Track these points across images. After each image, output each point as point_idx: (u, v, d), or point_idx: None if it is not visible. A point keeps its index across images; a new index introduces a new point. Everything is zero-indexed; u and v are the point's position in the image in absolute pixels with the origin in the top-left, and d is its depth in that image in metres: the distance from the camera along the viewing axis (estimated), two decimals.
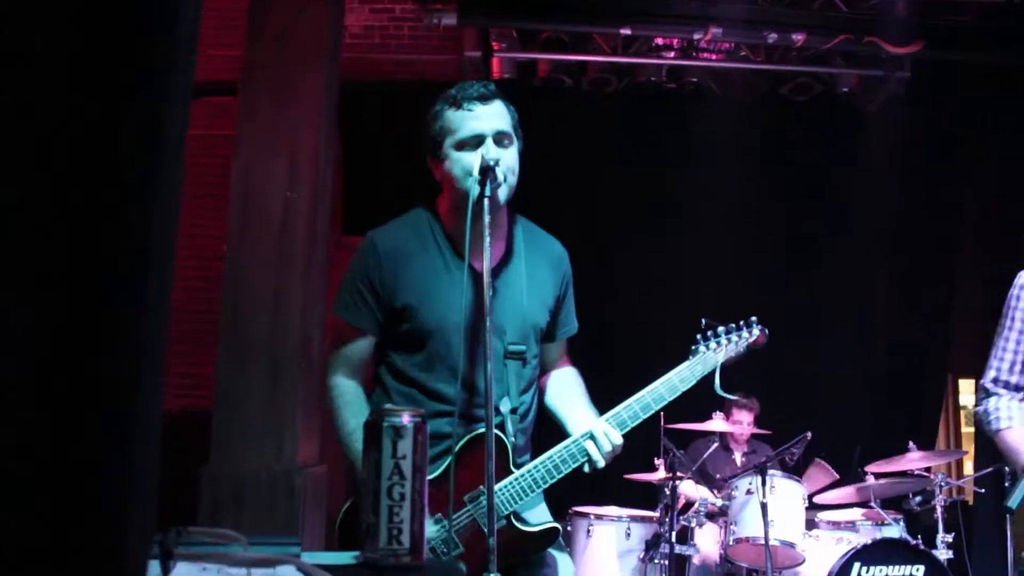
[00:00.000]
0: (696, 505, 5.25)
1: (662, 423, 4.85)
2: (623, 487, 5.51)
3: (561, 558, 2.30)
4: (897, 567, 4.51)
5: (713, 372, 2.25)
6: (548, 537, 2.19)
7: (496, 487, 2.06)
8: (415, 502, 1.36)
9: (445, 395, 2.16)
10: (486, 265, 2.03)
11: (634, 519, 5.29)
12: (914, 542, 4.62)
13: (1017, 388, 2.42)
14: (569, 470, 2.18)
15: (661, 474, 4.91)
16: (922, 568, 4.52)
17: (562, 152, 6.00)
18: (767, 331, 2.31)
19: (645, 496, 5.50)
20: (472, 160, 2.10)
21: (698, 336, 2.26)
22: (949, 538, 4.87)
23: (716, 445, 5.47)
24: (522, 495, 2.13)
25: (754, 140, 6.51)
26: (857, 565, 4.49)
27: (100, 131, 0.71)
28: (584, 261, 2.61)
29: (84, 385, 0.71)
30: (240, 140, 5.09)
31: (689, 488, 5.35)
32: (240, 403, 4.73)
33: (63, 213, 0.70)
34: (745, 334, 2.29)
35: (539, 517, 2.25)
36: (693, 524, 5.17)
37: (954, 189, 6.85)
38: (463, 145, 2.12)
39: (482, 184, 2.07)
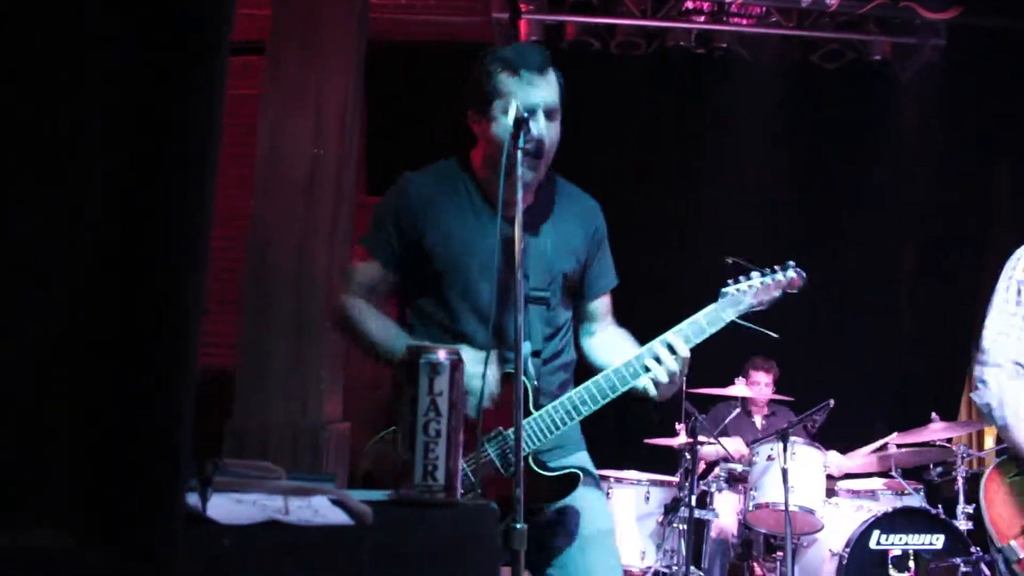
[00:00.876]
0: (716, 470, 5.27)
1: (684, 388, 4.85)
2: (644, 452, 5.53)
3: (593, 499, 2.25)
4: (917, 535, 4.51)
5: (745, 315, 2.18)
6: (566, 483, 2.11)
7: (508, 428, 2.08)
8: (451, 440, 1.37)
9: (471, 337, 2.15)
10: (518, 216, 1.99)
11: (654, 483, 5.31)
12: (934, 511, 4.61)
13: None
14: (617, 394, 2.11)
15: (682, 439, 4.92)
16: (942, 537, 4.51)
17: (589, 116, 5.96)
18: (804, 275, 2.21)
19: (666, 461, 5.52)
20: (518, 131, 2.04)
21: (728, 280, 2.19)
22: (970, 509, 4.86)
23: (738, 410, 5.47)
24: (543, 435, 2.10)
25: (784, 107, 6.45)
26: (877, 533, 4.49)
27: None
28: (609, 223, 2.58)
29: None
30: (266, 99, 5.09)
31: (709, 452, 5.36)
32: (264, 361, 4.78)
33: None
34: (780, 276, 2.20)
35: (576, 462, 2.22)
36: (713, 489, 5.19)
37: (989, 161, 6.75)
38: (513, 112, 2.08)
39: (516, 137, 2.03)
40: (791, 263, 2.23)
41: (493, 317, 1.96)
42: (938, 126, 6.49)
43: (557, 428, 2.10)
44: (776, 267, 2.22)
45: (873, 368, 6.54)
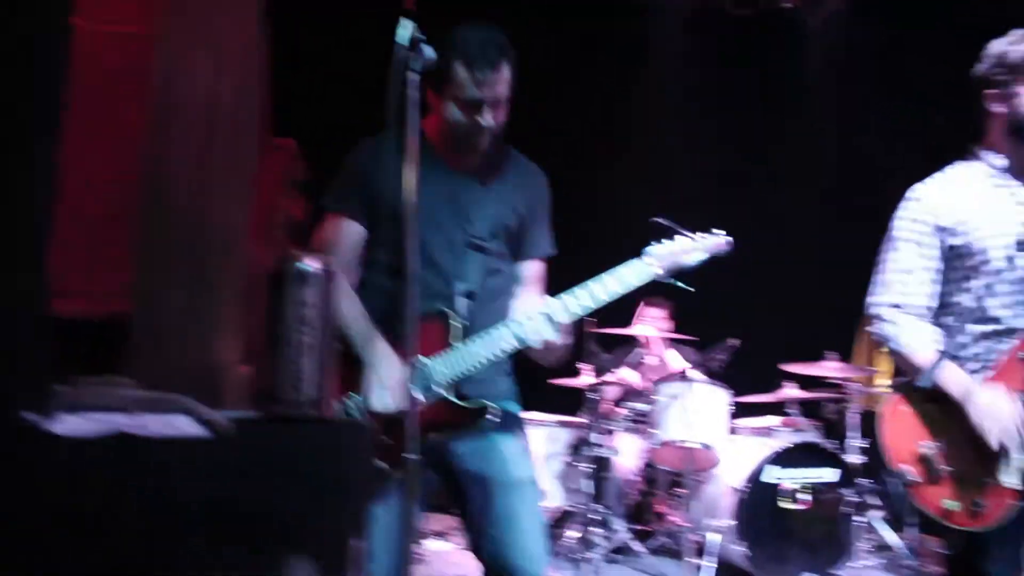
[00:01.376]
0: (620, 410, 5.35)
1: (586, 328, 4.89)
2: (549, 393, 5.57)
3: (516, 449, 2.36)
4: (810, 469, 4.66)
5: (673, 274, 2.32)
6: (475, 414, 2.25)
7: (432, 360, 2.23)
8: (321, 353, 1.33)
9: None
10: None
11: (559, 424, 5.38)
12: (827, 446, 4.77)
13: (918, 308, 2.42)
14: (511, 348, 2.24)
15: (586, 379, 4.96)
16: (832, 470, 4.68)
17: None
18: (732, 240, 2.34)
19: (570, 402, 5.58)
20: (468, 119, 2.25)
21: (652, 241, 2.30)
22: (862, 443, 5.05)
23: (640, 350, 5.55)
24: (459, 368, 2.23)
25: (698, 57, 6.49)
26: (772, 467, 4.62)
27: None
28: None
29: None
30: (162, 36, 4.87)
31: (613, 392, 5.43)
32: (161, 307, 4.63)
33: None
34: (707, 240, 2.35)
35: (494, 396, 2.31)
36: (617, 429, 5.27)
37: (895, 111, 6.90)
38: (464, 104, 2.25)
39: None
40: (721, 232, 2.37)
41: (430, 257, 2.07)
42: (845, 73, 6.61)
43: (479, 363, 2.24)
44: (702, 232, 2.35)
45: (775, 307, 6.70)
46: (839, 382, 5.27)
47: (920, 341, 2.37)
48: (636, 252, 2.32)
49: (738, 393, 5.29)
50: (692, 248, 2.34)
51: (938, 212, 2.39)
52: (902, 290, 2.41)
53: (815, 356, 5.24)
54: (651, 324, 5.47)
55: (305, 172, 5.93)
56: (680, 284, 2.35)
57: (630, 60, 6.55)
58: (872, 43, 6.57)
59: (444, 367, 2.23)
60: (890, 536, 5.26)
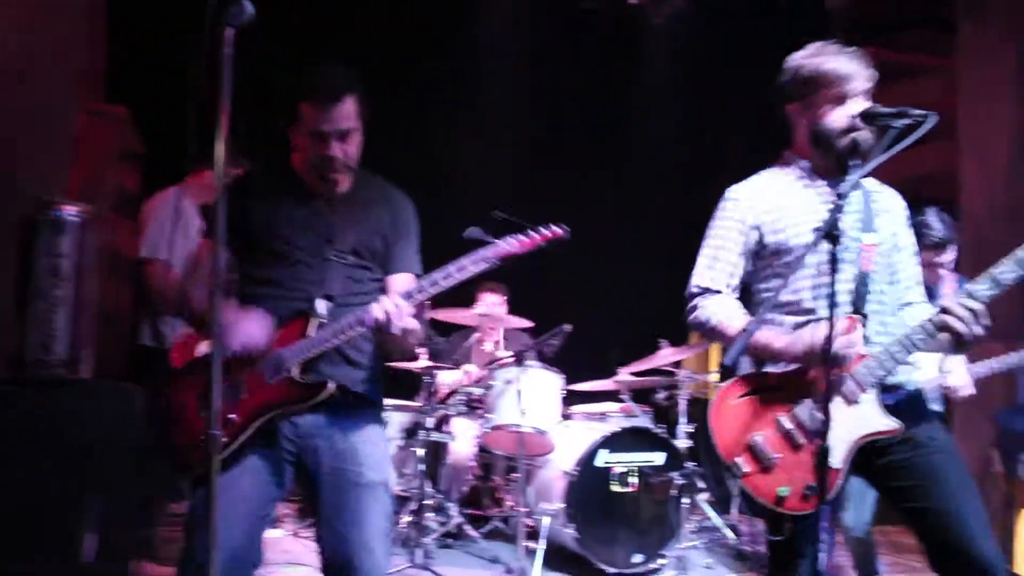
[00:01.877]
0: (455, 395, 5.32)
1: (425, 312, 4.83)
2: (385, 376, 5.49)
3: (367, 441, 2.52)
4: (640, 453, 4.76)
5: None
6: (312, 389, 2.42)
7: (284, 349, 2.44)
8: (77, 308, 1.21)
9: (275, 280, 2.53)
10: None
11: (394, 408, 5.30)
12: (656, 431, 4.88)
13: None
14: (357, 331, 2.39)
15: (423, 363, 4.90)
16: (661, 454, 4.80)
17: (339, 49, 5.78)
18: (567, 231, 2.45)
19: (406, 386, 5.52)
20: (317, 153, 2.46)
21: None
22: (690, 428, 5.21)
23: (477, 335, 5.54)
24: (307, 352, 2.41)
25: (540, 47, 6.53)
26: (604, 451, 4.69)
27: None
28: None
29: None
30: None
31: (449, 377, 5.41)
32: None
33: None
34: (546, 232, 2.45)
35: (342, 379, 2.47)
36: (452, 413, 5.24)
37: (735, 106, 7.13)
38: (310, 137, 2.46)
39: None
40: (556, 226, 2.47)
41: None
42: (686, 69, 6.79)
43: (326, 344, 2.41)
44: (539, 227, 2.45)
45: (610, 295, 6.85)
46: (671, 369, 5.42)
47: (727, 314, 2.49)
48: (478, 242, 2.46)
49: (573, 380, 5.36)
50: (528, 240, 2.44)
51: (752, 211, 2.52)
52: (711, 276, 2.54)
53: (649, 344, 5.37)
54: (488, 309, 5.47)
55: (139, 143, 5.62)
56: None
57: (464, 48, 6.55)
58: (714, 40, 6.78)
59: (294, 353, 2.42)
60: (715, 518, 5.46)
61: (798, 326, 2.42)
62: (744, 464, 2.34)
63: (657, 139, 6.95)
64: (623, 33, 6.93)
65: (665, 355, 5.28)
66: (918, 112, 2.25)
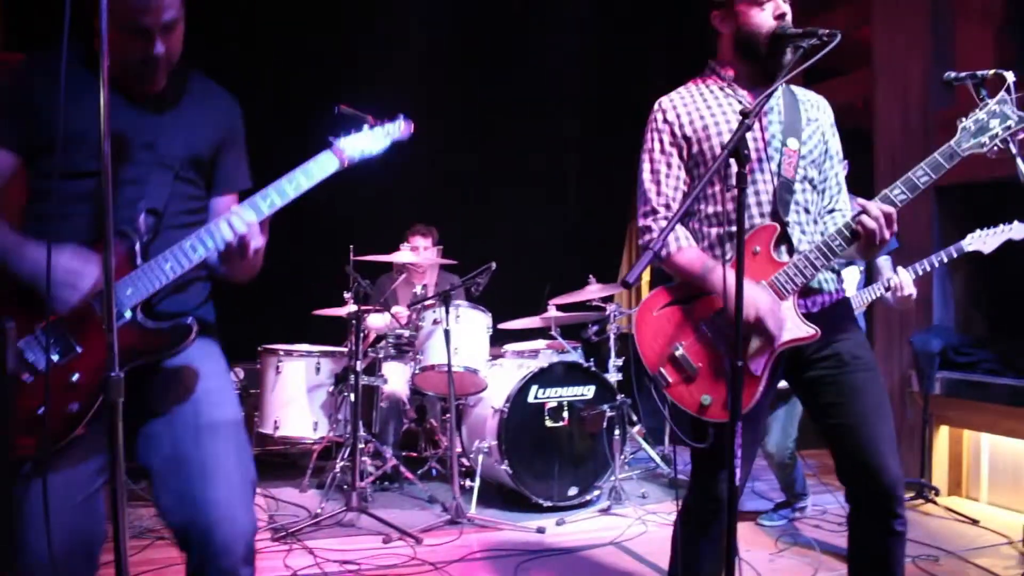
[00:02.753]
0: (385, 338, 5.30)
1: (351, 256, 4.78)
2: (314, 324, 5.46)
3: (215, 388, 2.13)
4: (570, 388, 4.81)
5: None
6: (171, 336, 2.03)
7: (117, 282, 1.99)
8: None
9: (80, 215, 2.06)
10: None
11: (324, 354, 5.28)
12: (586, 365, 4.93)
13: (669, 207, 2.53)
14: (198, 257, 2.04)
15: (350, 308, 4.86)
16: (592, 388, 4.85)
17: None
18: (412, 124, 2.23)
19: (336, 333, 5.49)
20: (137, 54, 2.02)
21: (340, 131, 2.15)
22: (620, 362, 5.27)
23: (403, 277, 5.50)
24: (144, 288, 2.01)
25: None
26: (534, 387, 4.73)
27: None
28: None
29: None
30: None
31: (377, 320, 5.38)
32: None
33: None
34: (390, 127, 2.22)
35: (188, 312, 2.11)
36: (382, 355, 5.23)
37: (647, 30, 7.11)
38: (128, 32, 1.99)
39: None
40: (401, 115, 2.24)
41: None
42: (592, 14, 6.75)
43: (167, 277, 2.03)
44: (385, 119, 2.22)
45: (537, 233, 6.85)
46: (600, 304, 5.46)
47: (673, 240, 2.47)
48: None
49: (503, 318, 5.38)
50: (376, 135, 2.23)
51: (679, 121, 2.51)
52: (655, 199, 2.51)
53: (578, 281, 5.40)
54: (417, 251, 5.44)
55: None
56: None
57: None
58: None
59: (128, 289, 2.00)
60: (649, 449, 5.57)
61: (729, 236, 2.44)
62: (668, 375, 2.38)
63: (576, 69, 6.92)
64: None
65: (593, 290, 5.32)
66: (825, 31, 2.25)
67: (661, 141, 2.53)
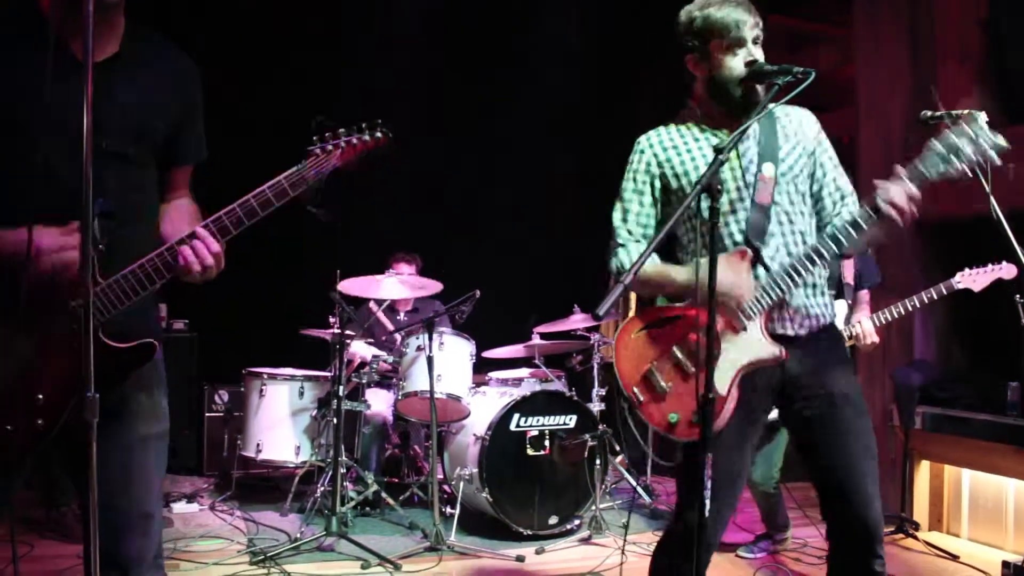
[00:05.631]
0: (369, 364, 5.30)
1: (336, 281, 4.80)
2: (299, 348, 5.47)
3: (147, 403, 2.08)
4: (552, 417, 4.82)
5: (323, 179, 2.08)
6: (133, 355, 1.96)
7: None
8: None
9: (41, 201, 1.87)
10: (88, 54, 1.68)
11: (308, 378, 5.28)
12: (568, 394, 4.95)
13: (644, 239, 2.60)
14: (170, 275, 1.97)
15: (335, 331, 4.87)
16: (574, 417, 4.86)
17: None
18: (390, 134, 2.15)
19: (320, 357, 5.49)
20: None
21: (314, 137, 2.10)
22: (603, 392, 5.29)
23: (385, 305, 5.53)
24: (113, 306, 1.94)
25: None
26: (517, 415, 4.74)
27: None
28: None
29: None
30: None
31: (360, 348, 5.39)
32: None
33: None
34: (366, 136, 2.13)
35: (149, 331, 2.02)
36: (365, 381, 5.23)
37: (640, 68, 7.18)
38: None
39: None
40: (379, 122, 2.17)
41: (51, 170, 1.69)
42: (592, 29, 6.83)
43: (129, 298, 1.95)
44: (364, 125, 2.14)
45: (522, 261, 6.89)
46: (584, 334, 5.48)
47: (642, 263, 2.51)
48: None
49: (487, 346, 5.39)
50: (355, 145, 2.12)
51: (655, 161, 2.58)
52: (623, 235, 2.59)
53: (563, 310, 5.43)
54: (401, 277, 5.47)
55: None
56: (312, 208, 2.18)
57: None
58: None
59: (100, 305, 1.90)
60: (630, 479, 5.57)
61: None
62: (640, 393, 2.46)
63: (567, 99, 6.99)
64: None
65: (577, 320, 5.34)
66: (800, 69, 2.30)
67: (635, 180, 2.61)
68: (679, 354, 2.45)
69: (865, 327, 4.02)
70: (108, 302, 1.93)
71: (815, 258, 2.38)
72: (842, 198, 2.59)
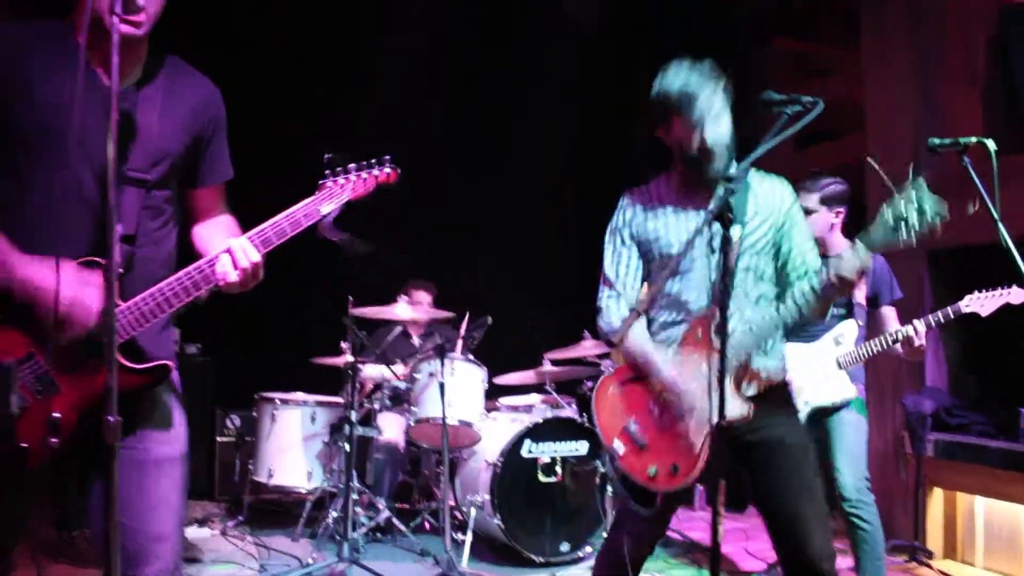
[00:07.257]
0: (381, 389, 5.32)
1: (349, 307, 4.82)
2: (312, 373, 5.49)
3: (164, 412, 2.10)
4: (563, 443, 4.83)
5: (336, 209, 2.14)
6: (150, 376, 2.00)
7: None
8: None
9: (62, 223, 1.93)
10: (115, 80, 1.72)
11: (320, 404, 5.30)
12: (580, 420, 4.95)
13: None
14: (199, 292, 2.01)
15: (348, 358, 4.90)
16: (586, 443, 4.87)
17: None
18: (399, 169, 2.23)
19: (333, 382, 5.51)
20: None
21: (326, 172, 2.15)
22: None
23: (399, 330, 5.55)
24: (130, 328, 1.95)
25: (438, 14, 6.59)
26: (528, 442, 4.75)
27: None
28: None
29: None
30: None
31: (373, 371, 5.41)
32: None
33: None
34: (376, 172, 2.20)
35: (166, 353, 2.06)
36: (377, 407, 5.25)
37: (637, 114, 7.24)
38: None
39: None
40: (387, 158, 2.24)
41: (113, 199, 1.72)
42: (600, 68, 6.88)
43: (147, 320, 1.97)
44: (373, 161, 2.21)
45: (534, 288, 6.90)
46: (596, 360, 5.49)
47: (621, 319, 2.64)
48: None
49: (499, 372, 5.40)
50: (365, 180, 2.20)
51: (634, 222, 2.69)
52: (613, 280, 2.69)
53: (574, 337, 5.44)
54: (416, 305, 5.50)
55: None
56: (330, 235, 2.33)
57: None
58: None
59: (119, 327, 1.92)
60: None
61: (663, 322, 2.61)
62: (620, 447, 2.56)
63: (575, 124, 7.05)
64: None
65: (588, 346, 5.35)
66: (808, 99, 2.32)
67: (620, 234, 2.72)
68: (655, 410, 2.55)
69: (918, 326, 3.96)
70: (129, 327, 1.95)
71: (777, 325, 2.48)
72: (806, 273, 2.61)
